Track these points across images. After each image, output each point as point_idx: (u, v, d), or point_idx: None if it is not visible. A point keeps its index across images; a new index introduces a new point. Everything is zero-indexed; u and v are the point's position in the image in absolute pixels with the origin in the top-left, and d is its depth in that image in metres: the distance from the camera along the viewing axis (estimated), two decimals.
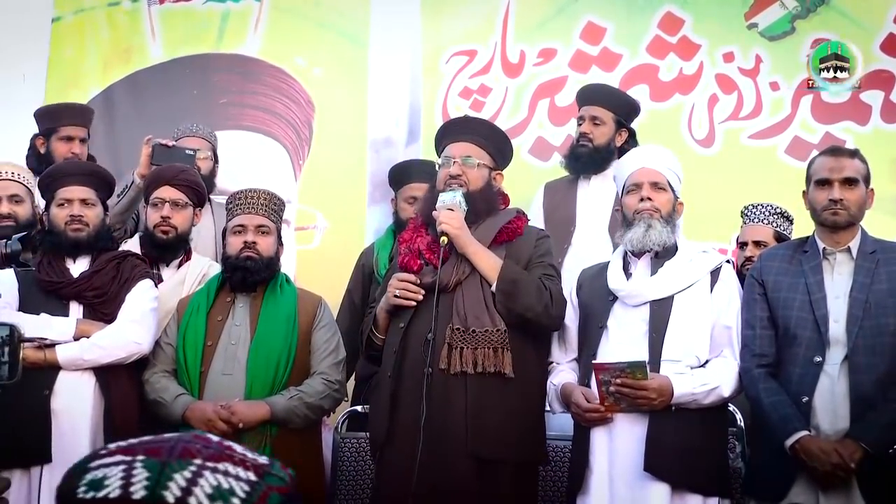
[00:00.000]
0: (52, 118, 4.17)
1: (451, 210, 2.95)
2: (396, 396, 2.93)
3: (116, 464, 0.98)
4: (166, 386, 3.15)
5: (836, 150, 3.04)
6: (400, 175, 4.15)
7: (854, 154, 2.98)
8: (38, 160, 4.06)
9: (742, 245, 3.78)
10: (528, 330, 2.99)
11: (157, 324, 3.24)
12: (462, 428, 2.85)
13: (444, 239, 2.93)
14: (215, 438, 1.04)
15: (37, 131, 4.20)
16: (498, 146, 3.18)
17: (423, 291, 2.97)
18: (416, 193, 3.91)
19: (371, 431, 3.10)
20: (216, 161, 4.14)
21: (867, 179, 2.94)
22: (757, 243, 3.69)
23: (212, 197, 4.08)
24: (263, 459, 1.04)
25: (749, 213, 3.80)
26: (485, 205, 3.07)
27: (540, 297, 2.95)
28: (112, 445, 1.02)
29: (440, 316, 2.90)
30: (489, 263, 2.96)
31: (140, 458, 0.99)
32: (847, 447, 2.72)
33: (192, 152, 3.83)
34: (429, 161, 4.27)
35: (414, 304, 2.97)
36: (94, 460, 1.00)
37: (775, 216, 3.75)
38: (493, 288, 2.94)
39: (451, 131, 3.19)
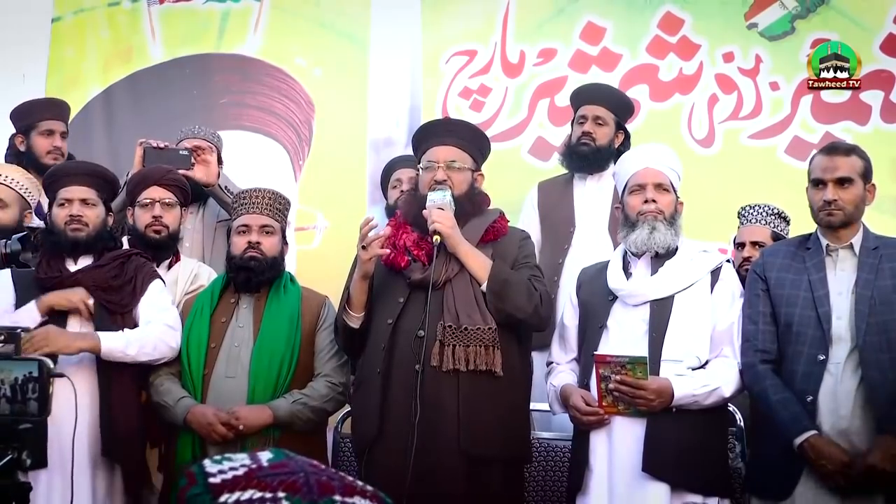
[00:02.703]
0: (30, 114, 4.15)
1: (441, 209, 2.95)
2: (386, 394, 2.92)
3: (259, 501, 0.95)
4: (169, 389, 3.15)
5: (832, 149, 3.00)
6: (386, 173, 4.19)
7: (850, 151, 2.96)
8: (17, 159, 4.03)
9: (739, 246, 3.77)
10: (515, 329, 2.99)
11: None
12: (454, 426, 2.85)
13: (436, 238, 2.92)
14: (322, 465, 1.01)
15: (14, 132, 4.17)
16: (479, 147, 3.18)
17: (374, 218, 2.95)
18: (400, 177, 3.98)
19: (359, 430, 3.08)
20: (220, 163, 4.13)
21: (866, 175, 2.92)
22: (755, 244, 3.69)
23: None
24: (371, 488, 1.01)
25: (746, 214, 3.80)
26: (471, 207, 3.07)
27: (530, 297, 2.95)
28: (218, 473, 0.98)
29: (431, 313, 2.88)
30: (479, 263, 2.96)
31: (281, 494, 0.95)
32: (886, 443, 2.69)
33: (186, 152, 3.81)
34: (412, 155, 4.30)
35: (388, 251, 2.95)
36: (220, 493, 0.97)
37: (772, 217, 3.75)
38: (484, 288, 2.94)
39: (433, 134, 3.17)
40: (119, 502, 3.12)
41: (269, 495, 0.95)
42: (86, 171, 3.32)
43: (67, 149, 4.18)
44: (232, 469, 0.99)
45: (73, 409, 3.01)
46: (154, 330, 3.14)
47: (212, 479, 0.98)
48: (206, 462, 1.00)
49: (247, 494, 0.95)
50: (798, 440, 2.77)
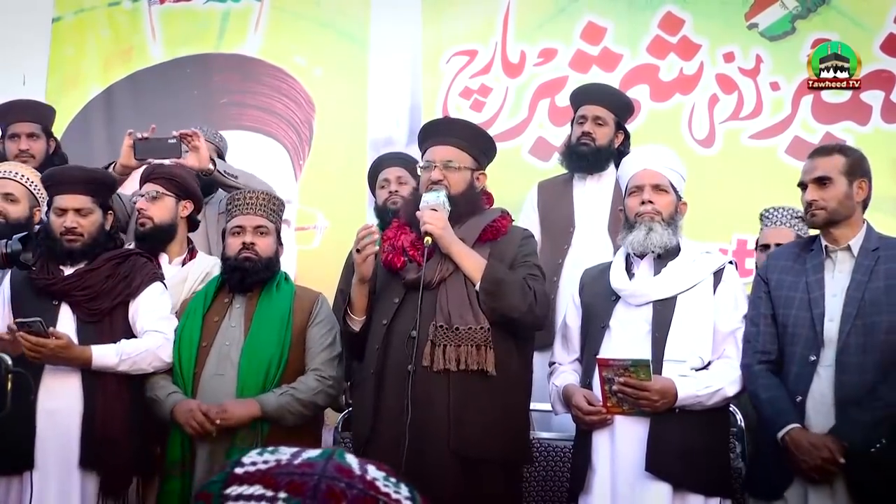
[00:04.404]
0: (1, 117, 4.16)
1: (434, 210, 2.95)
2: (379, 394, 2.93)
3: (258, 498, 0.94)
4: (163, 385, 3.16)
5: (814, 151, 3.05)
6: (373, 171, 4.15)
7: (832, 151, 2.98)
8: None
9: (764, 247, 3.72)
10: (511, 329, 2.98)
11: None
12: (444, 426, 2.84)
13: (428, 239, 2.93)
14: (357, 471, 0.98)
15: None
16: (480, 147, 3.16)
17: (372, 225, 2.97)
18: (387, 176, 3.96)
19: (354, 430, 3.11)
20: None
21: (851, 172, 2.91)
22: (780, 245, 3.67)
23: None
24: (405, 495, 0.99)
25: (770, 216, 3.77)
26: (467, 207, 3.06)
27: (524, 297, 2.94)
28: (249, 465, 0.98)
29: (424, 313, 2.89)
30: (473, 263, 2.96)
31: (282, 495, 0.94)
32: (830, 444, 2.72)
33: (175, 140, 3.75)
34: (399, 152, 4.28)
35: (377, 248, 2.94)
36: (230, 484, 0.96)
37: (796, 220, 3.71)
38: (477, 287, 2.93)
39: (432, 134, 3.17)
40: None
41: (269, 493, 0.94)
42: (79, 179, 3.28)
43: (58, 147, 4.18)
44: (265, 462, 0.98)
45: (67, 410, 3.03)
46: (150, 344, 3.14)
47: (237, 470, 0.97)
48: (253, 453, 1.00)
49: (251, 489, 0.95)
50: (780, 433, 2.78)
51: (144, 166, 3.73)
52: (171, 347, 3.19)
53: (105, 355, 3.07)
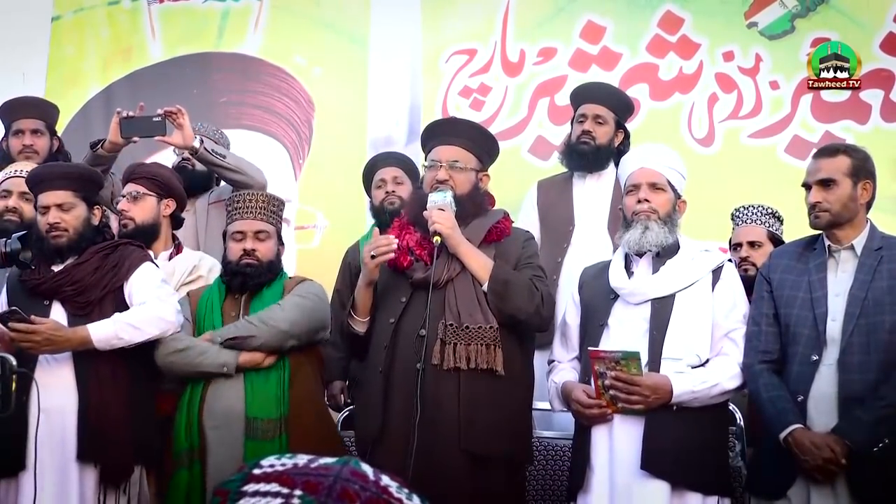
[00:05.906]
0: (5, 114, 4.17)
1: (442, 210, 2.95)
2: (388, 393, 2.93)
3: (274, 495, 0.97)
4: (181, 338, 3.15)
5: (818, 152, 3.03)
6: (369, 171, 4.12)
7: (837, 152, 2.97)
8: (5, 161, 4.02)
9: (735, 247, 3.74)
10: (517, 329, 2.99)
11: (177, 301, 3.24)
12: (454, 424, 2.85)
13: (437, 238, 2.93)
14: (372, 477, 1.01)
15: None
16: (484, 148, 3.16)
17: (394, 238, 2.96)
18: (383, 176, 3.95)
19: (360, 429, 3.10)
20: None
21: (855, 174, 2.90)
22: (751, 244, 3.68)
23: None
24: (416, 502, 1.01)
25: (741, 215, 3.78)
26: (471, 208, 3.07)
27: (531, 298, 2.95)
28: (268, 466, 1.00)
29: (432, 312, 2.90)
30: (480, 263, 2.96)
31: (298, 492, 0.96)
32: (833, 444, 2.73)
33: (159, 118, 3.73)
34: (394, 152, 4.28)
35: (392, 255, 2.93)
36: (248, 482, 0.99)
37: (767, 216, 3.73)
38: (485, 288, 2.94)
39: (438, 133, 3.17)
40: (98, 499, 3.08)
41: (285, 490, 0.97)
42: (60, 175, 3.25)
43: (61, 145, 4.18)
44: (283, 465, 1.01)
45: (61, 406, 3.02)
46: (147, 309, 3.09)
47: (255, 471, 1.00)
48: (271, 457, 1.03)
49: (267, 487, 0.98)
50: (783, 434, 2.79)
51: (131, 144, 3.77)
52: (170, 308, 3.12)
53: (102, 328, 3.02)
